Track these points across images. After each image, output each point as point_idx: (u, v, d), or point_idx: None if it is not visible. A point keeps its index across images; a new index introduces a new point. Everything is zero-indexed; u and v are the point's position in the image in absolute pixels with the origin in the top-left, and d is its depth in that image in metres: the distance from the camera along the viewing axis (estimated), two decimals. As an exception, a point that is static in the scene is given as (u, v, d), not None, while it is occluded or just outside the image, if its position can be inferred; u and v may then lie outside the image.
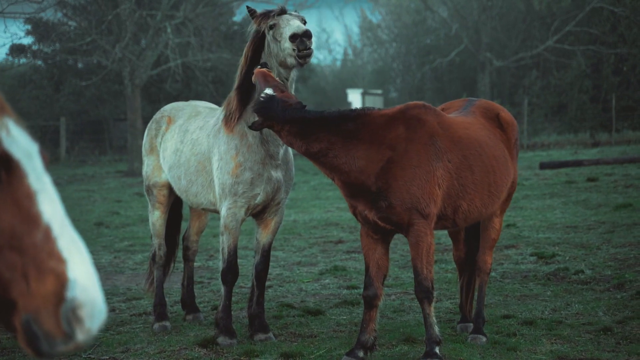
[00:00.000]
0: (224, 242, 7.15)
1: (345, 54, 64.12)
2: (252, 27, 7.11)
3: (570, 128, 36.92)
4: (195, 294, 8.88)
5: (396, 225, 6.31)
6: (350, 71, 60.77)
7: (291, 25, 6.72)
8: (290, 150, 7.28)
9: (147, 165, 8.10)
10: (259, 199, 7.09)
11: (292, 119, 6.08)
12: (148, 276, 8.39)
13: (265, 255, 7.35)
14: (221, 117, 7.29)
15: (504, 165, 6.79)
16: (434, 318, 6.36)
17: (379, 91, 51.84)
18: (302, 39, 6.63)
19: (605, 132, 34.86)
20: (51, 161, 33.87)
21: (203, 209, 7.73)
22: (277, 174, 7.09)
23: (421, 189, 6.19)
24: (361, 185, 6.22)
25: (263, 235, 7.34)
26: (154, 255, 8.14)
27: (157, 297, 7.96)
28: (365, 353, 6.47)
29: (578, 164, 22.11)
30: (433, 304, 6.37)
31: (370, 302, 6.48)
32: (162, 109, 8.31)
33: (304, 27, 6.71)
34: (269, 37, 6.90)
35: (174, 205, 8.33)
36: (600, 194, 16.26)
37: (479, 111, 7.05)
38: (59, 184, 26.22)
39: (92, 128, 38.87)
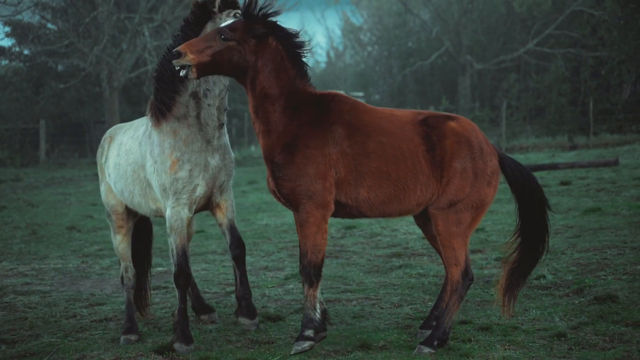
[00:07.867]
0: (171, 243, 7.17)
1: (327, 56, 64.21)
2: None
3: (548, 131, 37.07)
4: (158, 300, 8.89)
5: (288, 201, 6.62)
6: (332, 73, 60.82)
7: None
8: (226, 135, 7.49)
9: (102, 191, 8.15)
10: (199, 191, 7.18)
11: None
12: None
13: (234, 232, 7.41)
14: (150, 121, 7.35)
15: (410, 159, 6.69)
16: (310, 302, 6.62)
17: (361, 93, 51.93)
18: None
19: (583, 135, 35.05)
20: (30, 164, 33.85)
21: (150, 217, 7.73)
22: (214, 161, 7.23)
23: (315, 170, 6.47)
24: (270, 152, 6.62)
25: (222, 217, 7.43)
26: (122, 278, 8.14)
27: (127, 318, 7.75)
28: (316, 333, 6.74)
29: (554, 167, 22.20)
30: (316, 290, 6.60)
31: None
32: (107, 132, 8.39)
33: None
34: None
35: (142, 227, 8.31)
36: (571, 198, 16.34)
37: (421, 117, 6.94)
38: (36, 187, 26.10)
39: (72, 130, 38.73)
